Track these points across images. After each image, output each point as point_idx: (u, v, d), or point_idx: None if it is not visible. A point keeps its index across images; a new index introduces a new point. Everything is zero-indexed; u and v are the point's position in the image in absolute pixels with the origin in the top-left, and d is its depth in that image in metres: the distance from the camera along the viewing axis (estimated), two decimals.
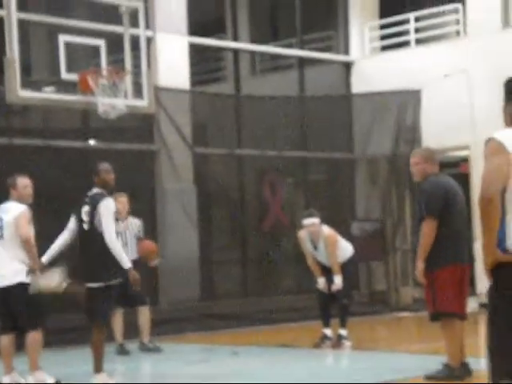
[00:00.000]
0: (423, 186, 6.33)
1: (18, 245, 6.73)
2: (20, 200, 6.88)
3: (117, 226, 8.19)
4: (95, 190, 6.72)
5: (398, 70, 12.83)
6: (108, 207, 6.52)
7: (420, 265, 6.21)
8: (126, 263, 6.54)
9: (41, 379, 6.71)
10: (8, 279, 6.74)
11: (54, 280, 6.64)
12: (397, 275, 12.76)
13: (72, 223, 6.76)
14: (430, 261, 6.22)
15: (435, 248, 6.19)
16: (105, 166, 6.78)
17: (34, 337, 6.70)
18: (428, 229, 6.12)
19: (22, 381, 6.77)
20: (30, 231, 6.71)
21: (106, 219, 6.48)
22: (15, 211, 6.78)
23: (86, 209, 6.63)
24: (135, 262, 8.29)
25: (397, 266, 12.80)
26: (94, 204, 6.57)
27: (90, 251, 6.57)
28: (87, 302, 6.59)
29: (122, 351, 8.73)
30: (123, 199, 8.78)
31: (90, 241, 6.57)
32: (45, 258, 6.79)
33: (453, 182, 6.46)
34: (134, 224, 8.86)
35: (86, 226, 6.61)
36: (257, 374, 7.34)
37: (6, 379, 6.76)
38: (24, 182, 6.93)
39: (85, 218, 6.61)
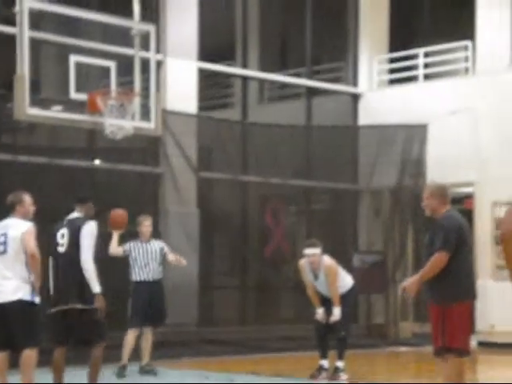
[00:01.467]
0: (439, 220, 6.32)
1: (21, 261, 6.71)
2: (25, 217, 6.88)
3: (139, 248, 8.78)
4: (76, 215, 6.77)
5: (406, 103, 12.88)
6: (91, 231, 6.57)
7: (415, 284, 6.20)
8: (95, 288, 6.54)
9: None
10: (7, 295, 6.71)
11: None
12: (397, 309, 12.69)
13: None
14: (444, 296, 6.20)
15: (449, 283, 6.17)
16: (91, 203, 6.83)
17: (30, 355, 6.64)
18: (439, 261, 6.12)
19: None
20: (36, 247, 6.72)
21: (87, 241, 6.53)
22: (22, 227, 6.78)
23: (63, 231, 6.68)
24: (155, 283, 8.81)
25: (397, 299, 12.73)
26: (74, 227, 6.61)
27: (67, 274, 6.59)
28: (78, 325, 6.54)
29: (120, 373, 8.72)
30: (147, 222, 9.04)
31: (67, 264, 6.60)
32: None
33: (463, 219, 6.48)
34: (157, 245, 9.03)
35: (61, 249, 6.65)
36: None
37: None
38: (30, 199, 6.96)
39: (60, 240, 6.65)
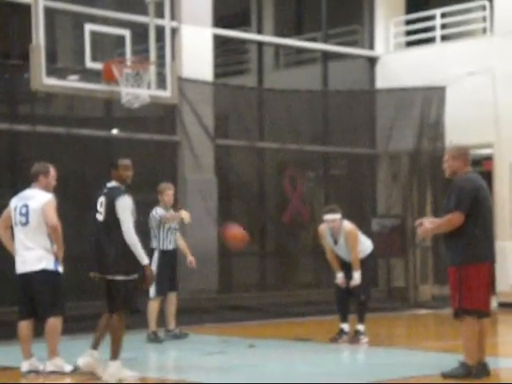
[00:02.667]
0: (455, 181, 6.35)
1: (43, 232, 6.77)
2: (46, 188, 6.92)
3: (161, 217, 8.88)
4: (113, 183, 6.71)
5: (423, 66, 12.76)
6: (124, 205, 6.50)
7: (429, 231, 6.32)
8: (144, 259, 6.49)
9: (59, 366, 6.75)
10: (30, 265, 6.78)
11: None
12: (416, 272, 12.71)
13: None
14: (460, 256, 6.22)
15: (466, 244, 6.20)
16: (124, 162, 6.73)
17: (54, 323, 6.74)
18: (453, 220, 6.17)
19: (41, 367, 6.81)
20: (57, 219, 6.75)
21: (124, 215, 6.46)
22: (43, 199, 6.82)
23: (101, 199, 6.63)
24: (172, 252, 8.96)
25: (416, 262, 12.74)
26: (111, 197, 6.56)
27: (104, 242, 6.54)
28: (106, 292, 6.56)
29: (155, 339, 8.86)
30: (170, 191, 9.09)
31: (104, 232, 6.55)
32: None
33: (482, 180, 6.45)
34: (178, 215, 9.03)
35: (100, 217, 6.60)
36: (272, 366, 7.35)
37: (24, 365, 6.80)
38: (55, 173, 7.00)
39: (99, 208, 6.62)
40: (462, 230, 6.21)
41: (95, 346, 6.72)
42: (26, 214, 6.80)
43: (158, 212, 9.01)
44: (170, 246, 9.02)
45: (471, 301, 6.20)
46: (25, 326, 6.83)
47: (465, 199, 6.17)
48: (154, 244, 8.99)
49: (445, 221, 6.25)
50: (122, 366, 6.53)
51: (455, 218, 6.16)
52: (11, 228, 6.96)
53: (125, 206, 6.49)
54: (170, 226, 8.99)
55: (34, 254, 6.75)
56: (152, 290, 8.76)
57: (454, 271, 6.26)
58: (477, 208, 6.21)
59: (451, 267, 6.30)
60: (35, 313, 6.81)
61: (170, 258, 8.99)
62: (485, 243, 6.27)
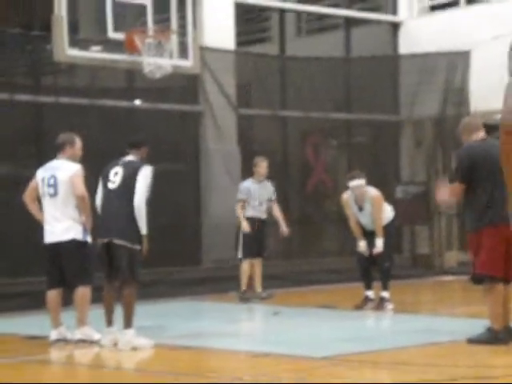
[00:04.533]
0: (457, 152, 6.62)
1: (71, 203, 6.81)
2: (73, 159, 6.96)
3: (253, 187, 9.69)
4: (131, 158, 6.74)
5: (447, 30, 12.58)
6: (147, 175, 6.55)
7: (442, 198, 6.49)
8: (144, 229, 6.55)
9: (88, 335, 6.83)
10: (59, 235, 6.84)
11: None
12: (441, 239, 12.66)
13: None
14: (474, 222, 6.28)
15: (477, 210, 6.27)
16: (145, 145, 6.82)
17: (83, 292, 6.81)
18: (454, 189, 6.34)
19: (69, 335, 6.91)
20: (85, 190, 6.80)
21: (142, 185, 6.50)
22: (71, 169, 6.85)
23: (117, 169, 6.65)
24: (262, 221, 9.70)
25: (441, 229, 12.69)
26: (130, 168, 6.58)
27: (114, 210, 6.59)
28: (116, 259, 6.58)
29: (244, 299, 9.56)
30: (264, 164, 9.83)
31: (115, 200, 6.59)
32: None
33: (488, 146, 6.40)
34: (269, 187, 9.85)
35: (111, 186, 6.64)
36: (297, 333, 7.38)
37: (53, 333, 6.89)
38: (81, 144, 7.02)
39: (113, 178, 6.64)
40: (472, 197, 6.28)
41: (110, 323, 6.74)
42: (55, 185, 6.84)
43: (248, 184, 9.72)
44: (259, 215, 9.67)
45: (486, 266, 6.20)
46: (53, 295, 6.91)
47: (459, 168, 6.35)
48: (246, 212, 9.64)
49: (449, 191, 6.38)
50: (135, 333, 6.58)
51: (455, 188, 6.29)
52: (38, 200, 7.02)
53: (147, 176, 6.55)
54: (259, 197, 9.69)
55: (63, 225, 6.81)
56: (239, 253, 9.63)
57: (472, 237, 6.33)
58: (477, 175, 6.27)
59: (469, 234, 6.39)
60: (64, 282, 6.89)
61: (258, 226, 9.63)
62: (496, 208, 6.26)
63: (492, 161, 6.41)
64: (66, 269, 6.84)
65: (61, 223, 6.83)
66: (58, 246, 6.83)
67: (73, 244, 6.78)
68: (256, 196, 9.67)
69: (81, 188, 6.76)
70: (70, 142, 6.98)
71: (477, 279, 6.33)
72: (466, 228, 6.42)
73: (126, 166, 6.67)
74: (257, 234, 9.62)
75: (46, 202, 6.92)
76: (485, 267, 6.21)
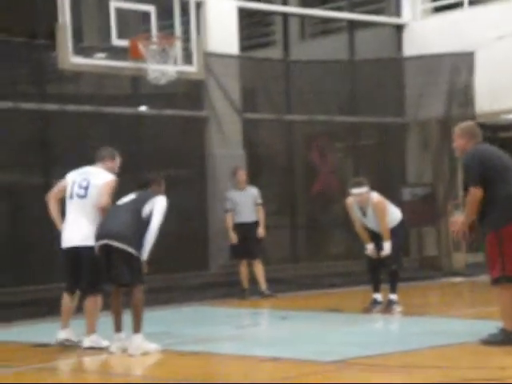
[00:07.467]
0: (463, 160, 6.52)
1: (96, 208, 6.85)
2: (110, 171, 7.03)
3: (237, 195, 10.31)
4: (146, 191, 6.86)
5: (451, 31, 12.55)
6: (163, 205, 6.71)
7: (463, 225, 6.33)
8: (146, 254, 6.62)
9: (96, 342, 6.85)
10: (79, 240, 6.85)
11: None
12: (449, 240, 12.63)
13: None
14: (495, 220, 6.23)
15: (497, 208, 6.23)
16: (159, 179, 6.98)
17: (93, 301, 6.84)
18: (472, 197, 6.27)
19: (75, 339, 6.94)
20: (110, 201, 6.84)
21: (159, 213, 6.66)
22: (105, 178, 6.91)
23: (132, 196, 6.80)
24: (250, 225, 10.31)
25: (449, 231, 12.63)
26: (146, 197, 6.72)
27: (120, 219, 6.64)
28: (125, 265, 6.58)
29: (244, 295, 10.28)
30: (242, 172, 10.52)
31: (122, 212, 6.68)
32: None
33: (492, 149, 6.48)
34: (253, 192, 10.46)
35: (119, 202, 6.81)
36: (305, 337, 7.37)
37: (61, 333, 6.98)
38: (119, 161, 7.14)
39: (123, 199, 6.83)
40: (490, 198, 6.24)
41: (119, 329, 6.77)
42: (86, 188, 6.88)
43: (231, 194, 10.43)
44: (246, 220, 10.31)
45: (504, 266, 6.16)
46: (68, 298, 6.99)
47: (472, 174, 6.31)
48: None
49: (468, 205, 6.33)
50: (144, 338, 6.59)
51: (473, 194, 6.25)
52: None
53: (162, 206, 6.69)
54: (245, 203, 10.32)
55: (83, 231, 6.82)
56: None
57: (493, 236, 6.25)
58: (490, 175, 6.26)
59: (488, 234, 6.29)
60: (78, 287, 6.92)
61: (245, 230, 10.27)
62: (509, 207, 6.25)
63: (503, 160, 6.44)
64: (82, 274, 6.85)
65: (80, 229, 6.84)
66: (78, 251, 6.84)
67: (88, 251, 6.78)
68: (241, 203, 10.35)
69: (106, 197, 6.80)
70: (111, 156, 7.11)
71: (499, 280, 6.26)
72: (490, 228, 6.32)
73: (141, 194, 6.82)
74: (245, 237, 10.27)
75: (73, 204, 6.92)
76: (506, 268, 6.17)
